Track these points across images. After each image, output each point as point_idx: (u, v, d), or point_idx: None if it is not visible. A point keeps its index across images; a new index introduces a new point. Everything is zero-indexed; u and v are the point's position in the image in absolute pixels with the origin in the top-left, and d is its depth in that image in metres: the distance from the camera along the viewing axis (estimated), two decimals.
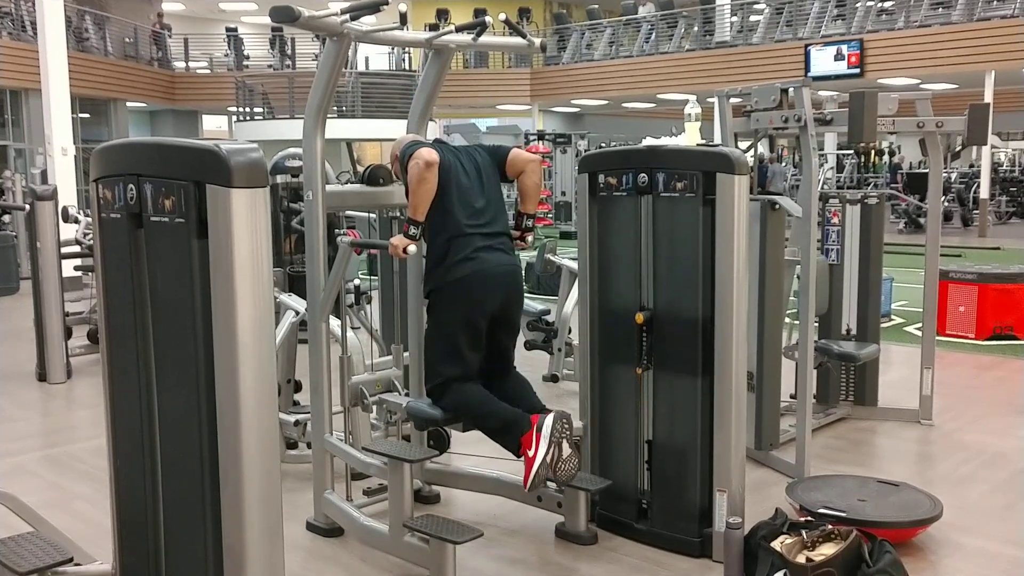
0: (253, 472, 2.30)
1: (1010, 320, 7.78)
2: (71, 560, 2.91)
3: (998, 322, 7.77)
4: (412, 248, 3.48)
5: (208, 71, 24.08)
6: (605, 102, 24.26)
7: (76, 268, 7.71)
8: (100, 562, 3.10)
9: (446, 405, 3.57)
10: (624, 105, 25.64)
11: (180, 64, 23.38)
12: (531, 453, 3.38)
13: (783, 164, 21.67)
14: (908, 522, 3.69)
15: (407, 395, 4.04)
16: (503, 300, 3.60)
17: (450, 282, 3.51)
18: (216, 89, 22.71)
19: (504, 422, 3.50)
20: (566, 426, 3.42)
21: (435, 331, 3.63)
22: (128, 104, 21.04)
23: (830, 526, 3.36)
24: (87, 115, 19.28)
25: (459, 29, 3.85)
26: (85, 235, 7.24)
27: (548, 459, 3.36)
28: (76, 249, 7.32)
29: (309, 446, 4.22)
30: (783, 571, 3.19)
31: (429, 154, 3.41)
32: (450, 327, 3.55)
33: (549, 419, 3.40)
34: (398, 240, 3.49)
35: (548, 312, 6.56)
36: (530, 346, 6.43)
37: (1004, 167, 23.17)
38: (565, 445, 3.39)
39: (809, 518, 3.57)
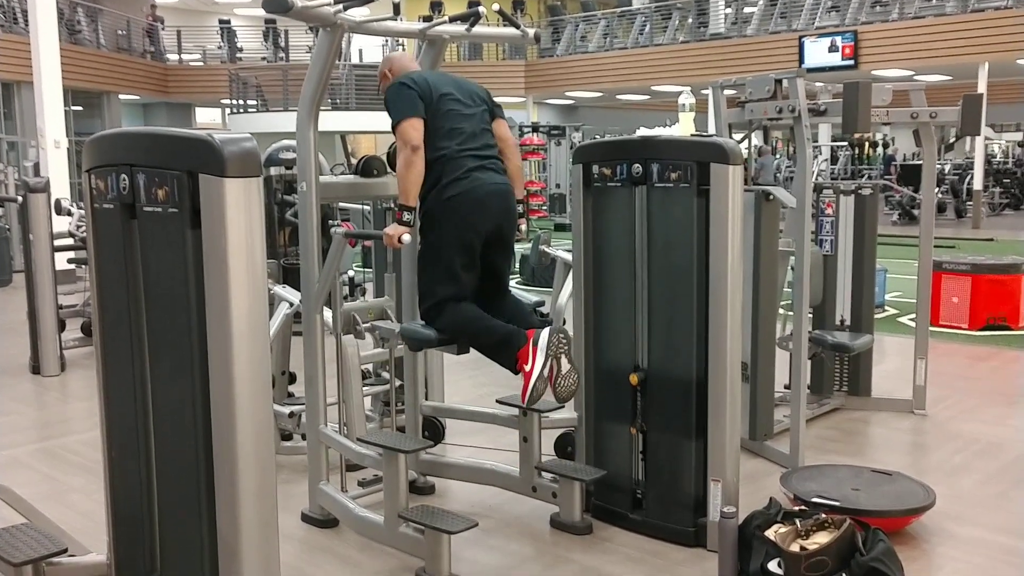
0: (248, 463, 2.30)
1: (1003, 311, 7.81)
2: (65, 551, 2.91)
3: (991, 313, 7.79)
4: (407, 237, 3.47)
5: (201, 63, 23.99)
6: (599, 94, 24.25)
7: (69, 261, 7.68)
8: (95, 553, 3.10)
9: (441, 325, 3.55)
10: (618, 97, 25.63)
11: (173, 56, 23.29)
12: (528, 367, 3.38)
13: (777, 156, 21.66)
14: (901, 511, 3.70)
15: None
16: (496, 219, 3.59)
17: (443, 202, 3.49)
18: (209, 82, 22.63)
19: (500, 338, 3.48)
20: (563, 340, 3.40)
21: (429, 252, 3.60)
22: (121, 97, 20.96)
23: (824, 515, 3.37)
24: (80, 108, 19.21)
25: (453, 19, 3.85)
26: (78, 227, 7.22)
27: (546, 372, 3.36)
28: (69, 242, 7.30)
29: (304, 438, 4.22)
30: (777, 560, 3.21)
31: (414, 136, 3.42)
32: (444, 248, 3.53)
33: (545, 333, 3.39)
34: (392, 229, 3.48)
35: (543, 304, 6.54)
36: None
37: (997, 159, 23.22)
38: (563, 360, 3.39)
39: (803, 507, 3.58)
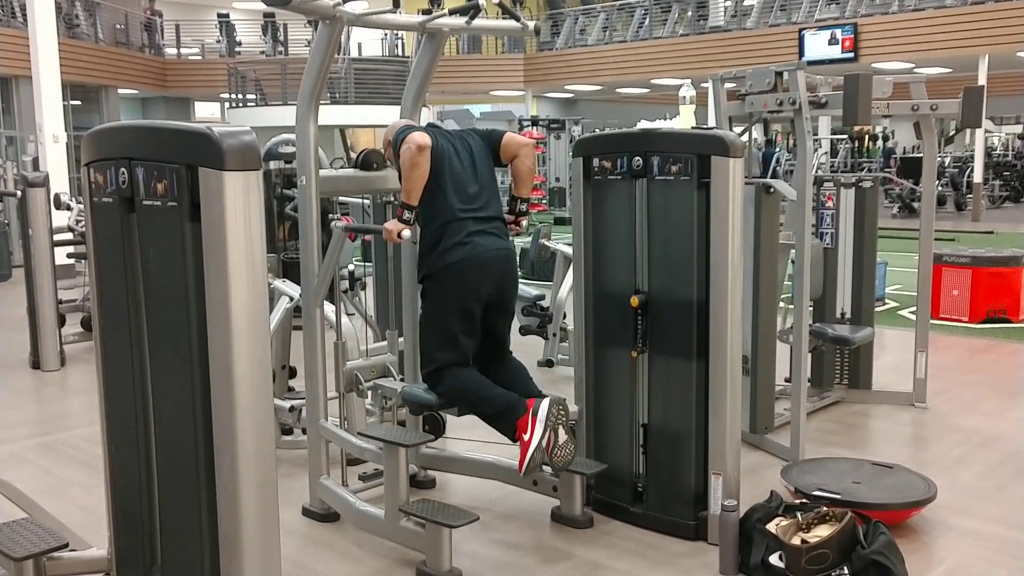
0: (248, 457, 2.30)
1: (1003, 303, 7.81)
2: (66, 546, 2.91)
3: (991, 305, 7.79)
4: (406, 233, 3.47)
5: (200, 58, 23.94)
6: (599, 87, 24.21)
7: (69, 256, 7.68)
8: (95, 548, 3.10)
9: (442, 390, 3.56)
10: (618, 90, 25.58)
11: (172, 51, 23.24)
12: (527, 437, 3.38)
13: (777, 149, 21.64)
14: (902, 504, 3.70)
15: (402, 380, 4.04)
16: (497, 284, 3.58)
17: (444, 267, 3.49)
18: (208, 76, 22.58)
19: (500, 407, 3.50)
20: (562, 411, 3.42)
21: (429, 317, 3.60)
22: (120, 91, 20.91)
23: (825, 508, 3.37)
24: (78, 102, 19.17)
25: (452, 12, 3.83)
26: (77, 222, 7.21)
27: (544, 443, 3.36)
28: (69, 236, 7.29)
29: (304, 432, 4.21)
30: (778, 553, 3.21)
31: (422, 138, 3.40)
32: (444, 312, 3.53)
33: (545, 403, 3.40)
34: (392, 225, 3.48)
35: (543, 297, 6.56)
36: (525, 331, 6.43)
37: (998, 151, 23.20)
38: (561, 431, 3.40)
39: (804, 500, 3.58)
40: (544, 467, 3.50)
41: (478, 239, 3.51)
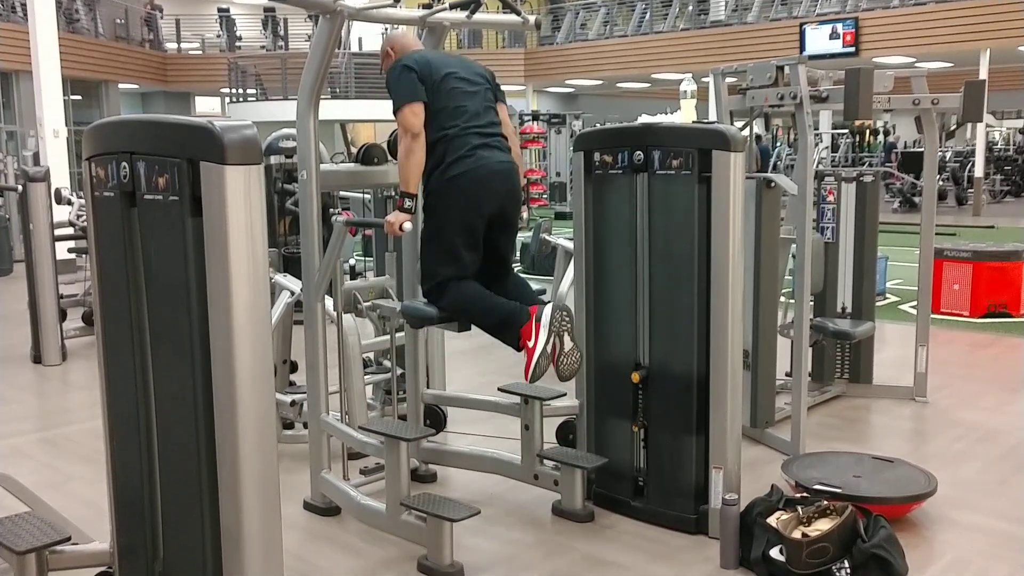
0: (250, 452, 2.30)
1: (1004, 298, 7.81)
2: (69, 539, 2.91)
3: (992, 300, 7.79)
4: (408, 225, 3.46)
5: (200, 52, 23.92)
6: (600, 82, 24.19)
7: (70, 250, 7.68)
8: (97, 542, 3.11)
9: (443, 304, 3.55)
10: (619, 85, 25.56)
11: (172, 45, 23.22)
12: (531, 344, 3.38)
13: (779, 144, 21.63)
14: (903, 498, 3.70)
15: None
16: (500, 198, 3.57)
17: (446, 181, 3.46)
18: (208, 70, 22.57)
19: (502, 316, 3.49)
20: (566, 318, 3.41)
21: (432, 233, 3.57)
22: (120, 86, 20.90)
23: (825, 502, 3.38)
24: (79, 97, 19.16)
25: (453, 7, 3.83)
26: (78, 217, 7.21)
27: (549, 349, 3.36)
28: (70, 231, 7.29)
29: (305, 426, 4.22)
30: (779, 547, 3.21)
31: (414, 123, 3.39)
32: (447, 227, 3.51)
33: (548, 309, 3.39)
34: (394, 217, 3.47)
35: (544, 292, 6.54)
36: None
37: (999, 146, 23.17)
38: (566, 338, 3.39)
39: (805, 494, 3.58)
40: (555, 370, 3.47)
41: (482, 152, 3.49)
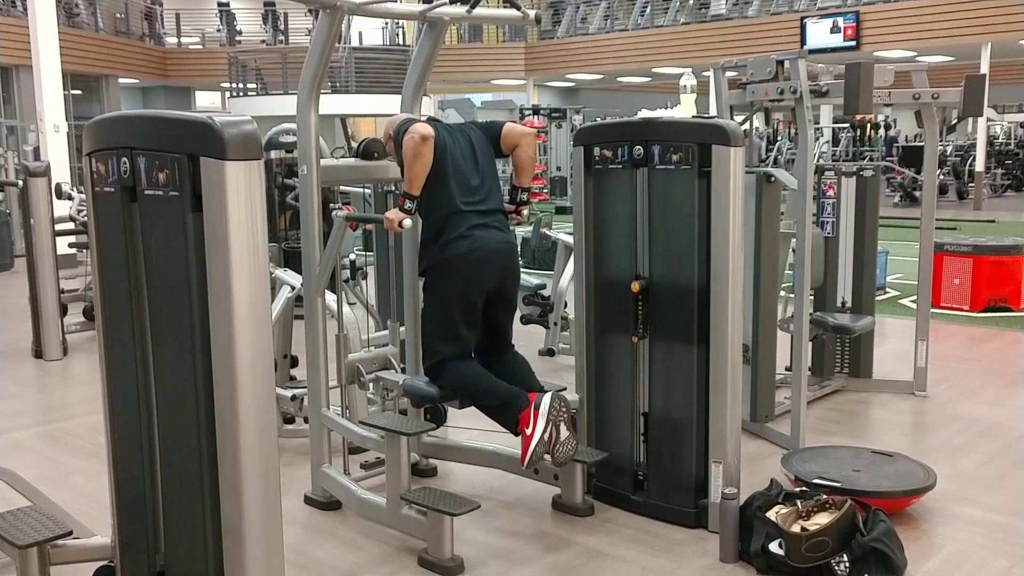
0: (251, 446, 2.31)
1: (1004, 292, 7.81)
2: (70, 533, 2.92)
3: (992, 294, 7.79)
4: (408, 222, 3.47)
5: (200, 47, 23.89)
6: (600, 76, 24.16)
7: (70, 245, 7.69)
8: (99, 536, 3.11)
9: (444, 383, 3.58)
10: (619, 79, 25.53)
11: (172, 40, 23.19)
12: (529, 431, 3.42)
13: (779, 138, 21.60)
14: (902, 492, 3.71)
15: (403, 371, 4.05)
16: (499, 277, 3.60)
17: (445, 259, 3.49)
18: (208, 65, 22.55)
19: (502, 399, 3.52)
20: (563, 407, 3.45)
21: (431, 309, 3.61)
22: (120, 80, 20.88)
23: (824, 496, 3.38)
24: (79, 92, 19.14)
25: (453, 1, 3.83)
26: (79, 212, 7.22)
27: (546, 438, 3.40)
28: (70, 226, 7.30)
29: (306, 421, 4.23)
30: (778, 540, 3.22)
31: (424, 128, 3.41)
32: (446, 305, 3.54)
33: (547, 398, 3.43)
34: (394, 214, 3.48)
35: (544, 287, 6.57)
36: (526, 320, 6.44)
37: (1000, 140, 23.14)
38: (563, 427, 3.43)
39: (804, 488, 3.59)
40: (545, 458, 3.52)
41: (479, 232, 3.52)
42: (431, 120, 3.69)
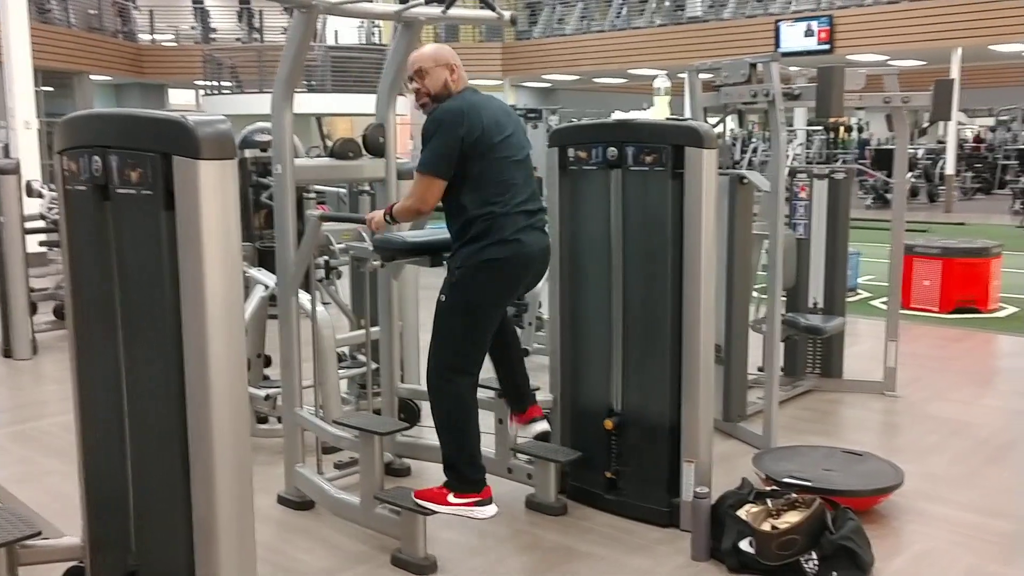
0: (223, 445, 2.31)
1: (972, 294, 7.92)
2: (39, 534, 2.90)
3: (961, 296, 7.90)
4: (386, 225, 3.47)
5: (175, 44, 23.70)
6: (577, 77, 24.21)
7: (41, 244, 7.61)
8: (70, 536, 3.09)
9: (440, 394, 3.35)
10: (596, 80, 25.60)
11: (146, 37, 22.99)
12: (453, 500, 3.32)
13: (754, 140, 21.75)
14: (870, 490, 3.76)
15: (376, 370, 4.02)
16: (535, 277, 3.53)
17: (485, 262, 3.23)
18: (183, 62, 22.35)
19: (469, 458, 3.36)
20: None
21: (455, 311, 3.31)
22: (93, 77, 20.68)
23: (794, 495, 3.42)
24: (50, 88, 18.93)
25: (428, 1, 3.83)
26: (50, 209, 7.14)
27: (453, 515, 3.33)
28: (41, 224, 7.22)
29: (280, 420, 4.22)
30: (749, 539, 3.25)
31: (430, 201, 3.27)
32: (477, 310, 3.31)
33: (491, 509, 3.36)
34: (377, 216, 3.48)
35: None
36: None
37: (970, 143, 23.40)
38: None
39: (775, 487, 3.63)
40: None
41: (525, 236, 3.27)
42: (473, 93, 3.38)
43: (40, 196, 7.37)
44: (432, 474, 4.19)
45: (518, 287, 3.44)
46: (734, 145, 19.22)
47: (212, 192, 2.20)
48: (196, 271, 2.22)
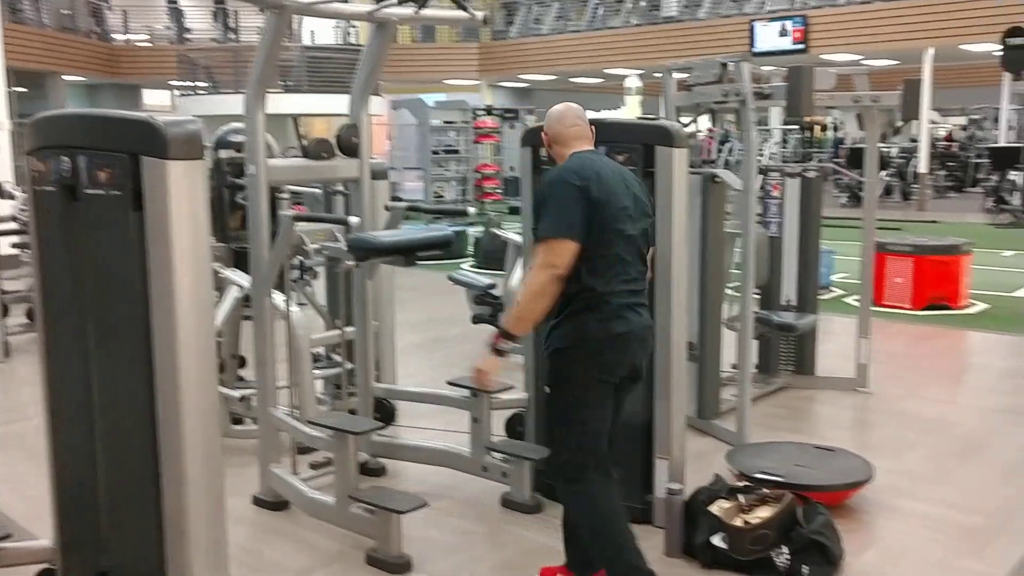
0: (194, 446, 2.31)
1: (944, 291, 8.00)
2: (8, 536, 2.88)
3: (933, 293, 7.98)
4: (498, 380, 3.04)
5: (149, 44, 23.53)
6: (554, 77, 24.24)
7: (13, 245, 7.54)
8: (41, 539, 3.08)
9: (572, 500, 3.02)
10: (573, 80, 25.64)
11: (120, 36, 22.81)
12: None
13: (730, 139, 21.86)
14: (840, 485, 3.80)
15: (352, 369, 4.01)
16: (636, 361, 3.01)
17: (581, 339, 2.86)
18: (157, 62, 22.20)
19: (622, 558, 2.92)
20: None
21: (566, 397, 2.96)
22: (67, 78, 20.51)
23: (766, 490, 3.45)
24: (23, 89, 18.75)
25: (402, 2, 3.83)
26: (22, 211, 7.08)
27: None
28: (13, 226, 7.16)
29: (255, 421, 4.21)
30: (721, 534, 3.28)
31: (563, 261, 2.75)
32: (589, 391, 2.91)
33: None
34: (486, 364, 2.88)
35: (494, 286, 6.58)
36: (477, 320, 6.44)
37: (942, 142, 23.63)
38: None
39: (747, 483, 3.66)
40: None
41: (629, 315, 2.90)
42: (593, 156, 2.96)
43: (12, 198, 7.30)
44: (409, 473, 4.21)
45: (621, 365, 2.95)
46: (714, 142, 19.34)
47: (181, 192, 2.20)
48: (165, 272, 2.22)
